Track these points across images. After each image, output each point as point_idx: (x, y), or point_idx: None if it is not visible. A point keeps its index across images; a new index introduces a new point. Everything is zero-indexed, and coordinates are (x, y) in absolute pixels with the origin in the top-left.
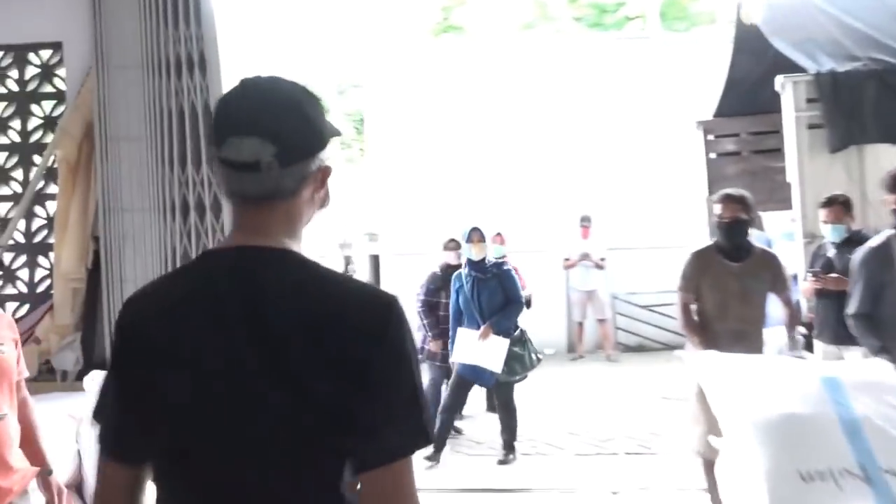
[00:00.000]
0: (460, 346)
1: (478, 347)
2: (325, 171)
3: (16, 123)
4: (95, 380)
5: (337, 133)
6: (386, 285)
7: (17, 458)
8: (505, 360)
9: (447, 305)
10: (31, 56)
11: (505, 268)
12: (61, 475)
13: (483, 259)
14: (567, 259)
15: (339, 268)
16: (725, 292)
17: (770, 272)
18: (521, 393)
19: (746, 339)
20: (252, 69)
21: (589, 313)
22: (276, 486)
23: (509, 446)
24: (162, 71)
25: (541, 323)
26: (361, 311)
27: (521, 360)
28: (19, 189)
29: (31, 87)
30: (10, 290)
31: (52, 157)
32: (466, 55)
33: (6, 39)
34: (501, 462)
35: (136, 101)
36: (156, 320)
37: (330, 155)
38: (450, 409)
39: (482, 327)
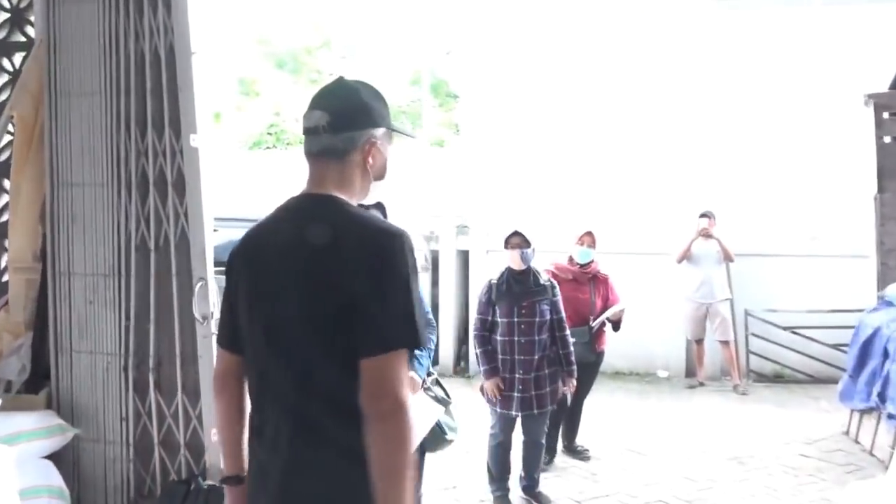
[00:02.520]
0: None
1: None
2: (372, 144)
3: None
4: None
5: (393, 127)
6: (475, 285)
7: None
8: (438, 420)
9: (504, 328)
10: (3, 0)
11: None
12: None
13: None
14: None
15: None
16: None
17: None
18: (606, 429)
19: None
20: None
21: (709, 331)
22: (300, 368)
23: None
24: (120, 6)
25: (654, 339)
26: (373, 238)
27: (450, 413)
28: None
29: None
30: None
31: (11, 119)
32: (583, 17)
33: None
34: None
35: (91, 45)
36: (244, 246)
37: (381, 135)
38: None
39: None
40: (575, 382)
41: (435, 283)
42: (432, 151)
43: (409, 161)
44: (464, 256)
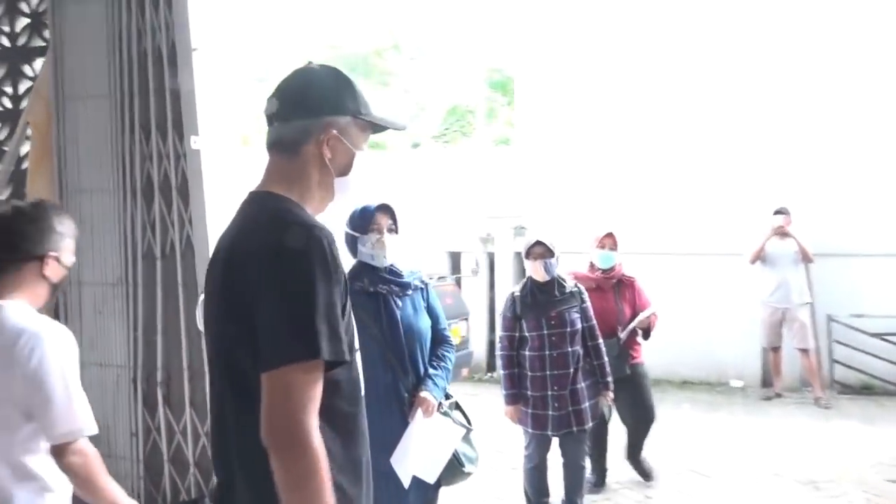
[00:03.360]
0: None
1: (413, 439)
2: (329, 134)
3: (9, 87)
4: None
5: (362, 116)
6: None
7: None
8: (456, 450)
9: (534, 342)
10: (22, 5)
11: (425, 280)
12: None
13: (393, 263)
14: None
15: (465, 268)
16: None
17: None
18: (667, 446)
19: None
20: None
21: (787, 338)
22: (221, 387)
23: None
24: (123, 4)
25: (726, 346)
26: (274, 234)
27: (470, 442)
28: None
29: (21, 41)
30: None
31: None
32: (642, 10)
33: None
34: None
35: (96, 46)
36: None
37: (344, 124)
38: None
39: (422, 395)
40: (612, 395)
41: (492, 285)
42: (497, 151)
43: (468, 161)
44: (521, 259)
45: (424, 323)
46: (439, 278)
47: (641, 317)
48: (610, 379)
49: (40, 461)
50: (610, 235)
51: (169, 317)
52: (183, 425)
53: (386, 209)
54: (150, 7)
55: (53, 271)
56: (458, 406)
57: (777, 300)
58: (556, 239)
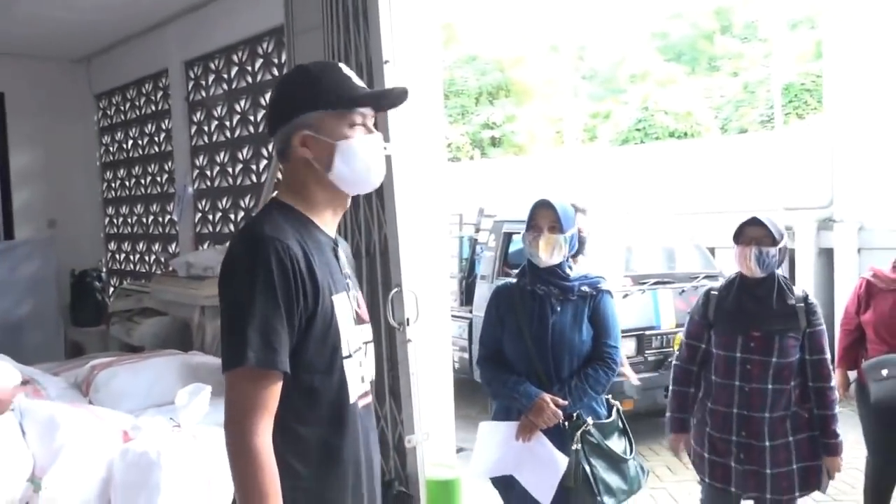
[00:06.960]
0: (484, 452)
1: (516, 453)
2: (301, 136)
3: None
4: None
5: (331, 104)
6: (841, 293)
7: None
8: (594, 477)
9: (721, 366)
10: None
11: (601, 285)
12: None
13: (559, 265)
14: None
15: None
16: None
17: None
18: None
19: None
20: None
21: None
22: None
23: None
24: (334, 27)
25: None
26: (231, 248)
27: (623, 473)
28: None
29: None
30: None
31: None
32: None
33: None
34: None
35: None
36: None
37: (316, 120)
38: None
39: (541, 398)
40: (841, 462)
41: None
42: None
43: (787, 145)
44: (827, 256)
45: (582, 334)
46: (705, 277)
47: None
48: (836, 440)
49: None
50: None
51: (373, 311)
52: (385, 413)
53: (547, 206)
54: (353, 26)
55: None
56: (623, 430)
57: None
58: (876, 231)
